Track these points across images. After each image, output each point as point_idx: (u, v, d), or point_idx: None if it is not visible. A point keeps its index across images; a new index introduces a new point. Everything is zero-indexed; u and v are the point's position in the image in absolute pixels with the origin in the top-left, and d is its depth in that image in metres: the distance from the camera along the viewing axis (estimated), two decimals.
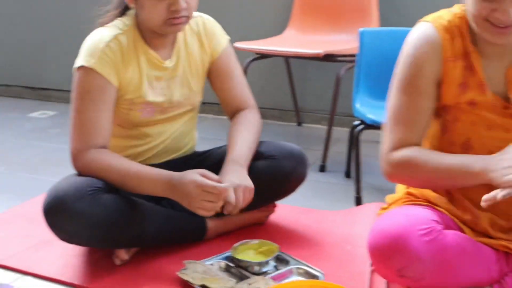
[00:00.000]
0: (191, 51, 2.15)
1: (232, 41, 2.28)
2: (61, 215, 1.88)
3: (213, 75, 2.22)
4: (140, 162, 2.08)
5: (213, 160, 2.18)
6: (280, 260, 1.99)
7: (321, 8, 3.67)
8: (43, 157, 3.39)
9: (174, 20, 1.95)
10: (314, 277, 1.90)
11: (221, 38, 2.21)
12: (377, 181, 2.82)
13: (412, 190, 1.87)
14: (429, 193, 1.83)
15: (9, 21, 4.93)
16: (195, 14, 2.14)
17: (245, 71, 3.27)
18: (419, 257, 1.62)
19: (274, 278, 1.88)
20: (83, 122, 1.99)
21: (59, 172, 2.99)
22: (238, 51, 2.47)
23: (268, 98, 3.96)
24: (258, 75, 3.84)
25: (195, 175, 1.86)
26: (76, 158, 1.99)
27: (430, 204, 1.81)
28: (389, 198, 1.94)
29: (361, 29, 2.76)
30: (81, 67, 2.00)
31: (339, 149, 3.24)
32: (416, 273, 1.65)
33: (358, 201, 2.59)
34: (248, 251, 2.01)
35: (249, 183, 1.95)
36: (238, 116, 2.19)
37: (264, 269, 1.94)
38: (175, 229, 2.07)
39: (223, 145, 2.22)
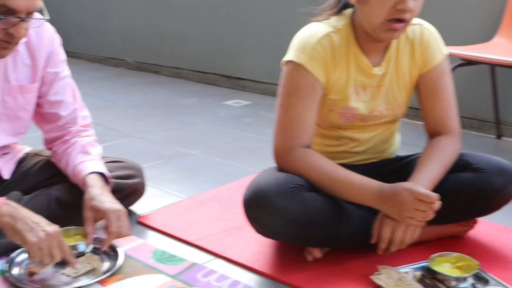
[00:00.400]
0: (401, 60, 2.05)
1: None
2: (261, 209, 1.88)
3: (419, 89, 2.09)
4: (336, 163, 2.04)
5: (412, 169, 2.08)
6: (479, 278, 1.87)
7: None
8: (236, 145, 3.47)
9: (394, 24, 1.86)
10: None
11: (437, 52, 2.07)
12: None
13: None
14: None
15: (211, 12, 5.10)
16: (417, 21, 2.05)
17: None
18: None
19: None
20: (290, 119, 1.96)
21: (252, 161, 3.08)
22: None
23: (467, 107, 3.79)
24: (459, 82, 3.67)
25: (409, 184, 1.81)
26: (281, 155, 1.97)
27: None
28: None
29: None
30: (290, 62, 1.97)
31: None
32: None
33: None
34: (445, 264, 1.91)
35: None
36: (435, 141, 2.06)
37: (462, 285, 1.82)
38: (370, 232, 2.00)
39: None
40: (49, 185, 2.21)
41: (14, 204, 1.84)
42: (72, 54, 6.17)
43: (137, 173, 2.36)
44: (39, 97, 2.18)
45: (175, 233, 2.23)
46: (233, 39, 5.00)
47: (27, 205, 1.94)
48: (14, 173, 2.22)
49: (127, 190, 2.28)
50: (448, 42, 3.21)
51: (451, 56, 3.15)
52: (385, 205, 1.84)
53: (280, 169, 1.98)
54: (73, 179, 2.15)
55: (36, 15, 1.93)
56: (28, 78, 2.11)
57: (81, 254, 2.00)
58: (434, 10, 3.82)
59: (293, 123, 1.95)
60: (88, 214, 1.99)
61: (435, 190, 1.88)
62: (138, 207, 2.43)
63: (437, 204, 1.79)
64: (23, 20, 1.84)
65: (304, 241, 1.97)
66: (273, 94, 4.54)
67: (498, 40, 3.49)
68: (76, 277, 1.90)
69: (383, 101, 2.06)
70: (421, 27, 2.06)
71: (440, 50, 2.08)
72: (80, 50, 6.41)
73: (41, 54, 2.12)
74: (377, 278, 1.85)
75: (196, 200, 2.56)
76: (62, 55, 2.22)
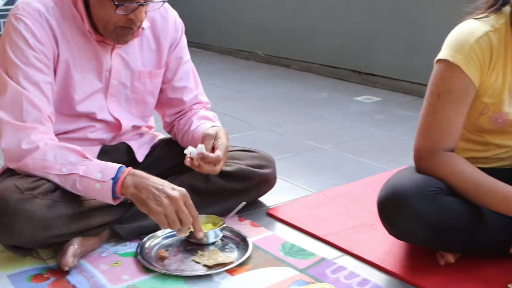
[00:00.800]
0: None
1: None
2: (398, 211, 1.81)
3: None
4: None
5: None
6: None
7: None
8: (367, 141, 3.42)
9: None
10: None
11: None
12: None
13: None
14: None
15: (343, 6, 5.05)
16: None
17: None
18: None
19: None
20: (438, 121, 1.86)
21: (383, 159, 3.03)
22: None
23: None
24: None
25: None
26: (423, 157, 1.89)
27: None
28: None
29: None
30: (443, 61, 1.85)
31: None
32: None
33: None
34: None
35: None
36: None
37: None
38: (508, 238, 1.88)
39: None
40: (181, 171, 2.24)
41: (139, 173, 1.82)
42: (203, 46, 6.33)
43: (269, 163, 2.36)
44: (163, 82, 2.24)
45: (304, 227, 2.22)
46: (365, 34, 4.94)
47: None
48: (148, 157, 2.28)
49: (258, 179, 2.29)
50: None
51: None
52: None
53: (419, 171, 1.90)
54: (193, 139, 2.16)
55: None
56: (153, 63, 2.17)
57: (212, 243, 2.03)
58: None
59: (440, 126, 1.86)
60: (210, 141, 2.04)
61: None
62: (267, 199, 2.44)
63: None
64: (141, 5, 1.88)
65: (440, 246, 1.90)
66: (405, 91, 4.48)
67: None
68: (205, 265, 1.93)
69: None
70: None
71: None
72: (211, 42, 6.53)
73: (166, 39, 2.17)
74: None
75: (326, 195, 2.54)
76: (185, 40, 2.26)
